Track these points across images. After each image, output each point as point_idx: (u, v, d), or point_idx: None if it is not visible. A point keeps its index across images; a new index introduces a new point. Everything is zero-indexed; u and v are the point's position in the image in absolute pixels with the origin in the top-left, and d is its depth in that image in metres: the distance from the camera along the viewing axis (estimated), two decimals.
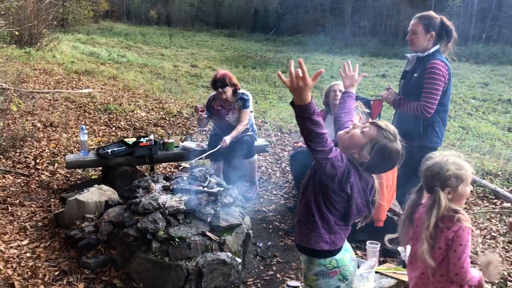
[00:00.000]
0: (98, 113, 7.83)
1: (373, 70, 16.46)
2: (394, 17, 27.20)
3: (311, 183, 2.12)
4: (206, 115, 4.99)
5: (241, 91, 4.96)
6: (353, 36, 27.50)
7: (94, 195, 4.20)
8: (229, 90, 4.85)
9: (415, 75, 3.52)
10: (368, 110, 4.24)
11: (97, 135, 6.76)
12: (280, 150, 6.58)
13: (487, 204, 4.99)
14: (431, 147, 3.54)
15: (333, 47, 24.80)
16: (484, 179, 5.62)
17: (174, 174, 5.19)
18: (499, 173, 5.87)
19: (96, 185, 4.39)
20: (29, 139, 6.12)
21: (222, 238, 3.47)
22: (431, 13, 3.55)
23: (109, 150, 4.76)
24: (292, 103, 1.86)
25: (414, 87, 3.50)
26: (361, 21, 27.77)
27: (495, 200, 5.05)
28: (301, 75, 1.77)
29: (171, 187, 3.73)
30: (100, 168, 5.21)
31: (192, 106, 8.77)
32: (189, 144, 5.18)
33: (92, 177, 5.27)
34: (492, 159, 6.69)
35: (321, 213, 2.09)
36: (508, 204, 4.90)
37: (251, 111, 5.04)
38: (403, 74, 3.75)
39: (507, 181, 5.62)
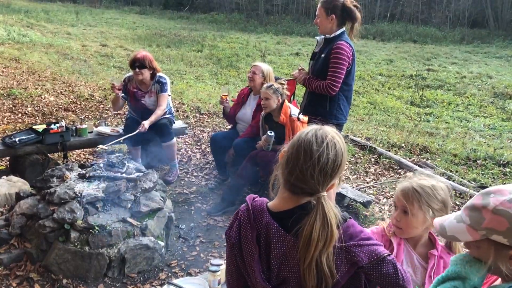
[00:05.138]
0: (0, 99, 7.28)
1: (287, 49, 16.81)
2: None
3: None
4: (122, 95, 4.86)
5: (158, 74, 4.87)
6: (267, 15, 27.74)
7: (3, 187, 3.96)
8: (146, 73, 4.74)
9: (322, 55, 3.69)
10: (288, 92, 4.39)
11: (1, 122, 6.31)
12: (199, 132, 6.58)
13: (393, 174, 5.41)
14: (336, 123, 3.72)
15: (248, 25, 24.88)
16: (389, 151, 6.08)
17: (89, 161, 5.03)
18: (403, 145, 6.37)
19: (4, 176, 4.14)
20: None
21: (144, 223, 3.46)
22: None
23: (17, 139, 4.48)
24: None
25: (321, 67, 3.67)
26: None
27: (400, 170, 5.49)
28: None
29: (87, 175, 3.63)
30: (7, 158, 4.90)
31: (104, 88, 8.45)
32: (103, 129, 5.02)
33: None
34: (397, 132, 7.24)
35: None
36: (411, 174, 5.35)
37: (169, 95, 4.98)
38: (312, 55, 3.92)
39: (409, 152, 6.12)
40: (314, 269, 1.42)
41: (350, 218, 1.52)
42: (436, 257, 1.90)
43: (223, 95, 4.92)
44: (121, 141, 4.61)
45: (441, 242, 2.00)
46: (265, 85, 4.29)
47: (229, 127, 5.47)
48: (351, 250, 1.43)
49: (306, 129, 1.50)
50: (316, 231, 1.40)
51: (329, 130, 1.49)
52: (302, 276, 1.45)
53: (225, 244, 3.81)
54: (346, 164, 5.53)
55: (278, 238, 1.50)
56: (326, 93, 3.59)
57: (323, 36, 3.76)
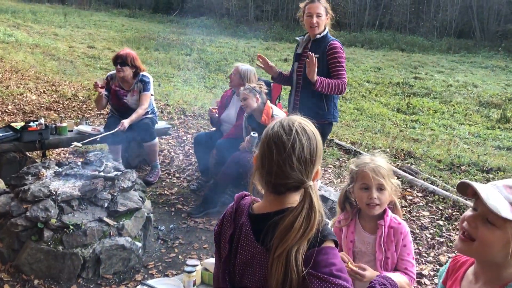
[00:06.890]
0: None
1: (276, 54, 16.81)
2: (295, 2, 27.94)
3: None
4: (105, 93, 4.77)
5: (142, 73, 4.80)
6: (256, 21, 27.74)
7: None
8: (128, 70, 4.67)
9: (317, 56, 3.67)
10: (266, 90, 4.34)
11: None
12: (183, 133, 6.50)
13: None
14: (333, 121, 3.91)
15: (238, 30, 24.84)
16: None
17: (68, 160, 4.93)
18: (388, 150, 6.35)
19: None
20: None
21: (121, 223, 3.37)
22: None
23: None
24: None
25: (318, 68, 3.64)
26: (264, 5, 28.09)
27: None
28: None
29: (63, 173, 3.53)
30: None
31: (89, 88, 8.34)
32: (84, 128, 4.91)
33: None
34: (382, 138, 7.22)
35: None
36: (395, 178, 5.32)
37: (152, 94, 4.90)
38: (296, 57, 3.89)
39: (394, 157, 6.10)
40: (284, 261, 1.27)
41: (333, 241, 1.34)
42: (384, 226, 2.09)
43: (212, 108, 4.88)
44: (98, 139, 4.51)
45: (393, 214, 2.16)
46: (241, 88, 4.29)
47: (213, 129, 5.40)
48: (311, 280, 1.25)
49: (271, 124, 1.41)
50: (300, 220, 1.28)
51: (295, 117, 1.40)
52: (269, 267, 1.29)
53: (205, 246, 3.75)
54: (330, 167, 5.49)
55: (245, 242, 1.39)
56: (339, 92, 3.67)
57: (303, 37, 3.78)
